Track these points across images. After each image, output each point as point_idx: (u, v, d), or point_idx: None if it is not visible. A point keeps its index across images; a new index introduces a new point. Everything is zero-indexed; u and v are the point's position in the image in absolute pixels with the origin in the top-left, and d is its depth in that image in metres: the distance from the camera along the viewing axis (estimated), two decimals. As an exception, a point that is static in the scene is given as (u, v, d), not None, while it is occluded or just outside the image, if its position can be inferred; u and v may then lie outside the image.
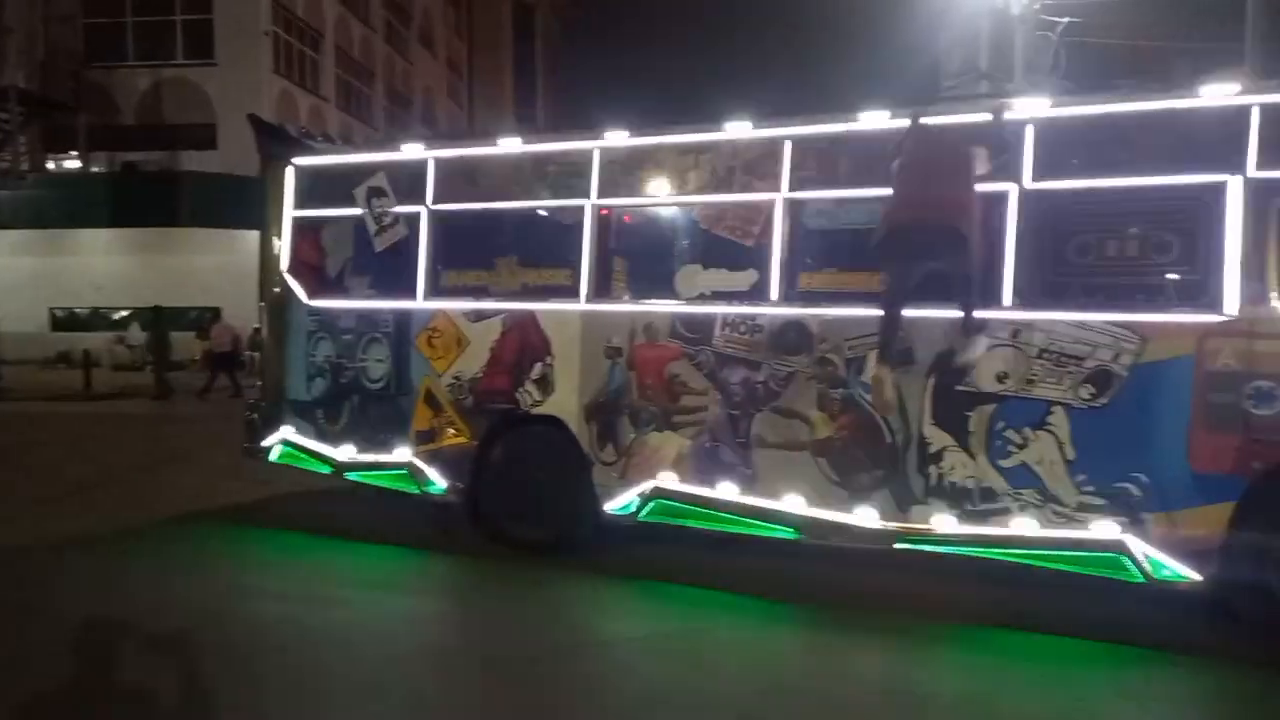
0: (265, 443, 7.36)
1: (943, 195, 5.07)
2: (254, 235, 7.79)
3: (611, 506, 6.21)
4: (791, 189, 5.77)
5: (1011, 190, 5.22)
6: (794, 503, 5.67)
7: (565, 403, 6.34)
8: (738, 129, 5.96)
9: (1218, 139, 4.81)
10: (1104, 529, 4.97)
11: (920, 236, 5.06)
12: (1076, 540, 5.04)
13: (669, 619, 5.27)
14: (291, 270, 7.37)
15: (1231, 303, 4.73)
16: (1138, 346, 4.89)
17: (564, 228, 6.45)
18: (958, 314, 5.18)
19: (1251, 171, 4.70)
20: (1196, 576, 4.82)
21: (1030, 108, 5.30)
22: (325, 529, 7.07)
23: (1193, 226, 4.86)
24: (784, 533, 5.74)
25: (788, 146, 5.77)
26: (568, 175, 6.45)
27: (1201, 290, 4.81)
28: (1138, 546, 4.91)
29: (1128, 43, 15.56)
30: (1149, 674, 4.54)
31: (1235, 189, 4.74)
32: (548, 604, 5.49)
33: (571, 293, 6.36)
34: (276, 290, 7.38)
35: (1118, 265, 5.08)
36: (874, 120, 5.61)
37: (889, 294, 5.30)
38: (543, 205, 6.67)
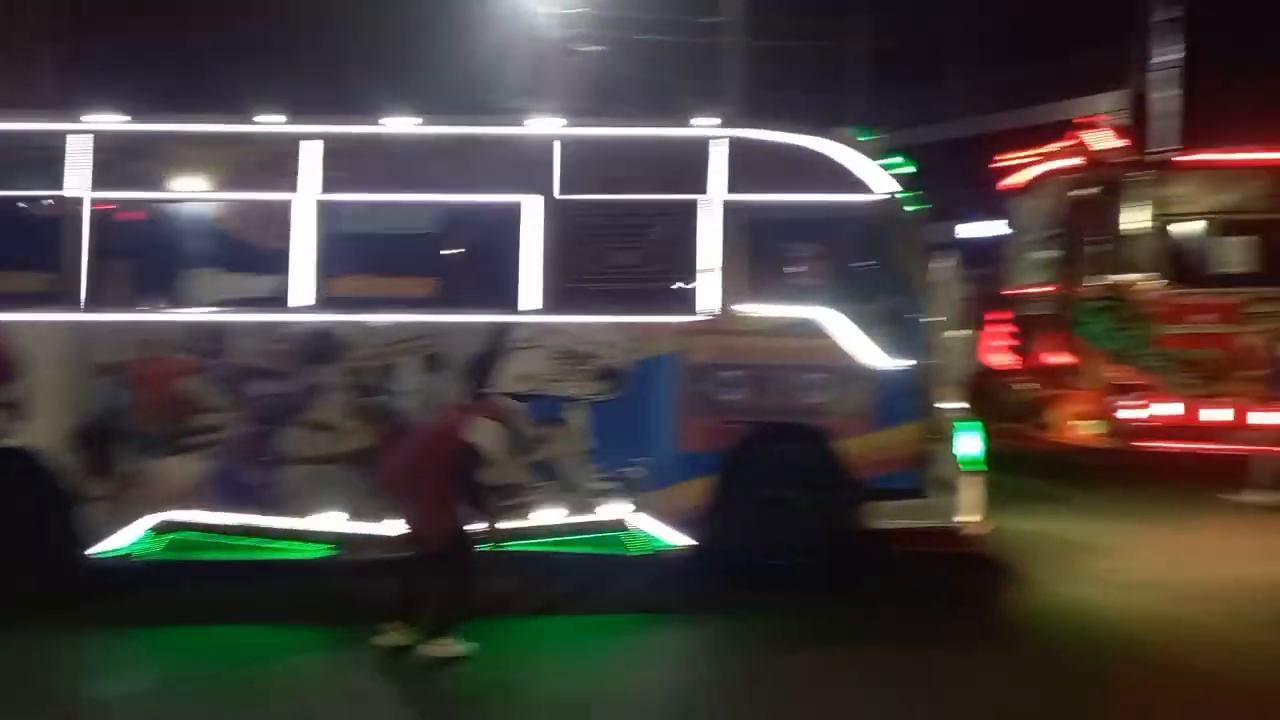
0: None
1: None
2: None
3: (104, 548, 5.40)
4: (324, 190, 5.55)
5: (539, 202, 5.54)
6: (331, 519, 5.46)
7: (39, 432, 5.40)
8: (263, 123, 5.60)
9: (696, 164, 5.58)
10: (612, 510, 5.52)
11: None
12: (590, 524, 5.52)
13: (178, 667, 4.73)
14: None
15: (706, 304, 5.51)
16: (638, 344, 5.49)
17: (45, 223, 5.52)
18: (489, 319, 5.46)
19: (724, 194, 5.53)
20: (686, 543, 5.55)
21: (556, 126, 5.68)
22: None
23: (679, 239, 5.59)
24: (319, 551, 5.50)
25: (317, 146, 5.54)
26: (47, 162, 5.52)
27: (685, 294, 5.55)
28: (639, 523, 5.52)
29: (659, 79, 17.55)
30: (646, 634, 5.13)
31: (710, 206, 5.53)
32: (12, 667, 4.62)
33: (55, 300, 5.47)
34: None
35: (623, 272, 5.63)
36: (406, 124, 5.63)
37: None
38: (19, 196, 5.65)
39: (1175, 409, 7.93)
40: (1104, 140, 8.38)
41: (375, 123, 5.66)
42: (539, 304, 5.50)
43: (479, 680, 4.42)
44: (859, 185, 5.52)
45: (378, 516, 5.44)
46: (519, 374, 5.48)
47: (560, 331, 5.46)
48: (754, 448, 5.56)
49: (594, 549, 5.59)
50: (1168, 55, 18.39)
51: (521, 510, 5.48)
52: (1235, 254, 8.20)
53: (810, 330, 5.50)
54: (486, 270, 5.70)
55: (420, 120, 5.67)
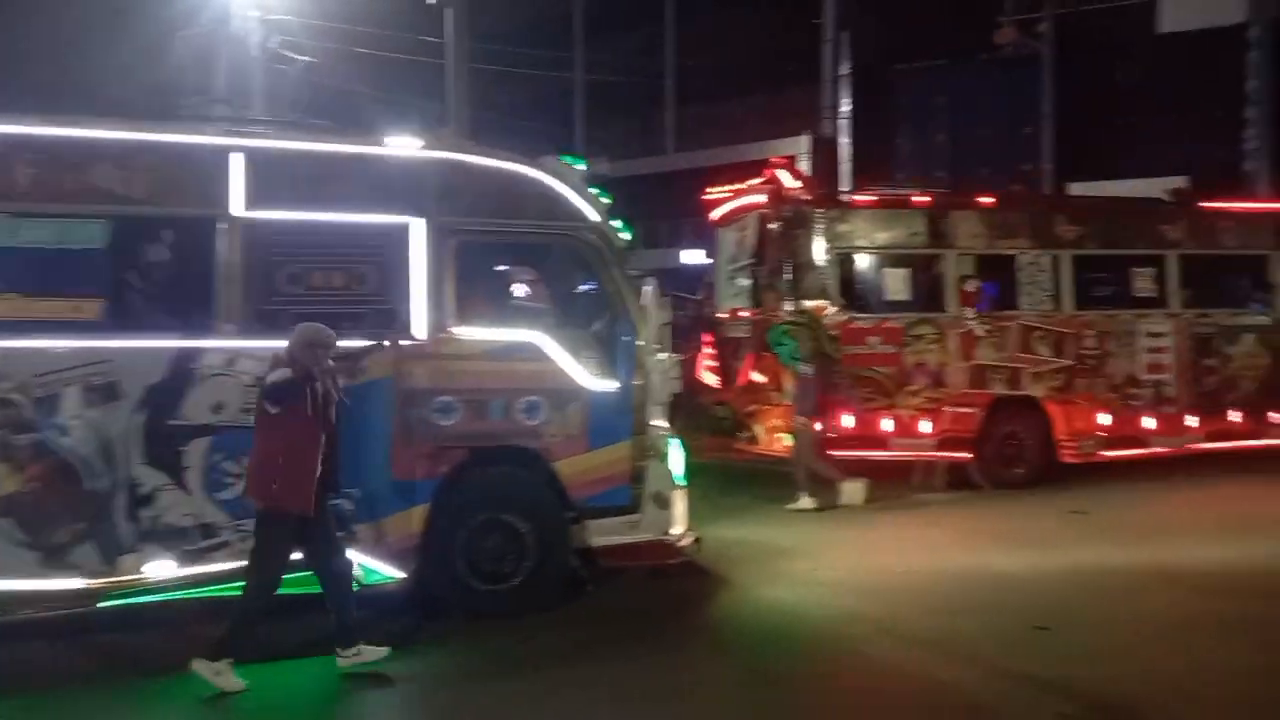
0: None
1: None
2: None
3: None
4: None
5: (216, 219, 5.15)
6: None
7: None
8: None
9: (406, 185, 5.46)
10: (322, 545, 5.21)
11: None
12: (296, 563, 5.17)
13: None
14: None
15: (419, 329, 5.40)
16: (345, 370, 5.25)
17: None
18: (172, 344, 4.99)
19: (434, 215, 5.43)
20: (402, 575, 5.38)
21: (238, 136, 5.32)
22: None
23: (388, 260, 5.43)
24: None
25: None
26: None
27: (396, 317, 5.40)
28: (351, 556, 5.25)
29: (368, 92, 17.02)
30: (358, 671, 4.89)
31: (419, 229, 5.43)
32: None
33: None
34: None
35: (326, 295, 5.38)
36: (78, 128, 5.05)
37: None
38: None
39: (854, 421, 8.86)
40: (792, 179, 9.25)
41: (22, 122, 4.97)
42: (230, 328, 5.12)
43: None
44: (567, 211, 5.66)
45: (39, 570, 4.79)
46: (210, 404, 5.06)
47: (253, 357, 5.09)
48: (471, 473, 5.51)
49: (302, 588, 5.24)
50: (844, 105, 20.72)
51: (214, 552, 5.04)
52: (898, 284, 9.36)
53: (524, 354, 5.56)
54: (166, 291, 5.22)
55: (79, 122, 5.08)
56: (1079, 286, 9.46)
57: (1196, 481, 9.39)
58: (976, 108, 22.52)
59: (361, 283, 5.43)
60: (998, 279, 9.50)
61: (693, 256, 19.03)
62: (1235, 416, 9.81)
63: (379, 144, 5.52)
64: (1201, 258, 9.94)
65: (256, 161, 5.21)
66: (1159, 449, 9.64)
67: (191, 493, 5.04)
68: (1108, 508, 8.47)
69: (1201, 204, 10.62)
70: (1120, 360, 9.52)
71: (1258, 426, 9.90)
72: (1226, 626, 5.38)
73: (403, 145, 5.53)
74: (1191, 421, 9.68)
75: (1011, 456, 9.29)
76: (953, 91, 22.44)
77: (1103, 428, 9.43)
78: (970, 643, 5.13)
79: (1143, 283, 9.78)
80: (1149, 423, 9.57)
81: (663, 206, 23.85)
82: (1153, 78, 21.61)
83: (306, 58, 14.75)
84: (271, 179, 5.24)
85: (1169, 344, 9.65)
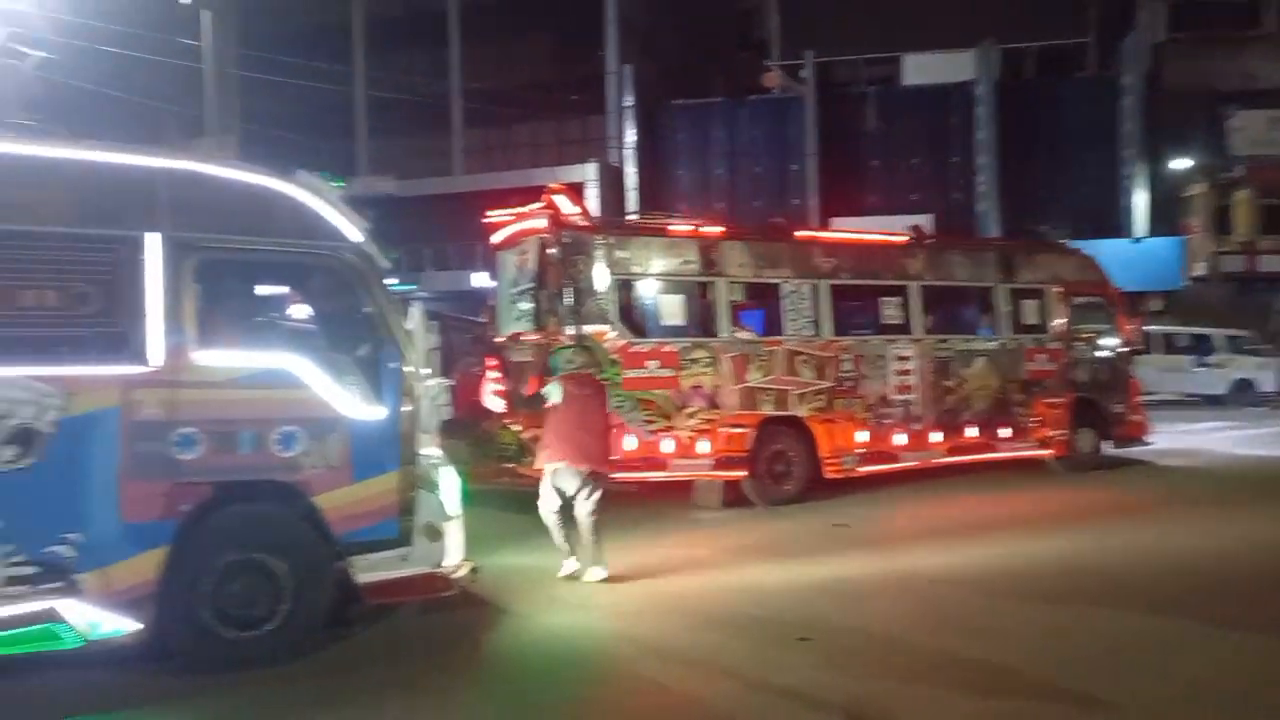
0: None
1: None
2: None
3: None
4: None
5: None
6: None
7: None
8: None
9: (136, 196, 4.97)
10: (35, 600, 4.61)
11: None
12: (5, 619, 4.55)
13: None
14: None
15: (155, 354, 4.91)
16: (63, 401, 4.69)
17: None
18: None
19: (169, 230, 4.97)
20: (137, 626, 4.84)
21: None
22: None
23: (115, 279, 4.91)
24: None
25: None
26: None
27: (125, 342, 4.88)
28: (74, 611, 4.68)
29: (111, 94, 15.55)
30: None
31: (154, 244, 4.95)
32: None
33: None
34: None
35: (37, 316, 4.79)
36: None
37: None
38: None
39: (635, 443, 8.99)
40: (570, 205, 9.32)
41: None
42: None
43: None
44: (324, 230, 5.36)
45: None
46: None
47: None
48: (217, 510, 5.06)
49: (19, 648, 4.61)
50: (629, 136, 21.36)
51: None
52: (674, 310, 9.65)
53: (279, 380, 5.19)
54: None
55: None
56: (836, 314, 10.15)
57: (940, 492, 10.30)
58: (750, 144, 23.92)
59: (84, 303, 4.86)
60: (763, 306, 10.04)
61: (483, 280, 18.88)
62: (972, 432, 10.86)
63: (105, 150, 4.99)
64: (938, 289, 10.98)
65: None
66: (909, 463, 10.49)
67: None
68: (867, 520, 9.09)
69: (936, 240, 11.78)
70: (873, 382, 10.28)
71: (990, 441, 11.00)
72: (956, 625, 5.86)
73: (135, 153, 5.04)
74: (936, 437, 10.61)
75: (781, 474, 9.77)
76: (728, 128, 23.71)
77: (860, 444, 10.13)
78: (734, 657, 5.29)
79: (890, 311, 10.65)
80: (900, 439, 10.39)
81: (453, 229, 23.50)
82: (898, 124, 23.93)
83: (41, 53, 13.25)
84: None
85: (914, 366, 10.54)
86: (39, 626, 4.62)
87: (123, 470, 4.79)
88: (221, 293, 5.30)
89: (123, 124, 16.07)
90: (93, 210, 4.89)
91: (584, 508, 6.88)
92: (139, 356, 4.87)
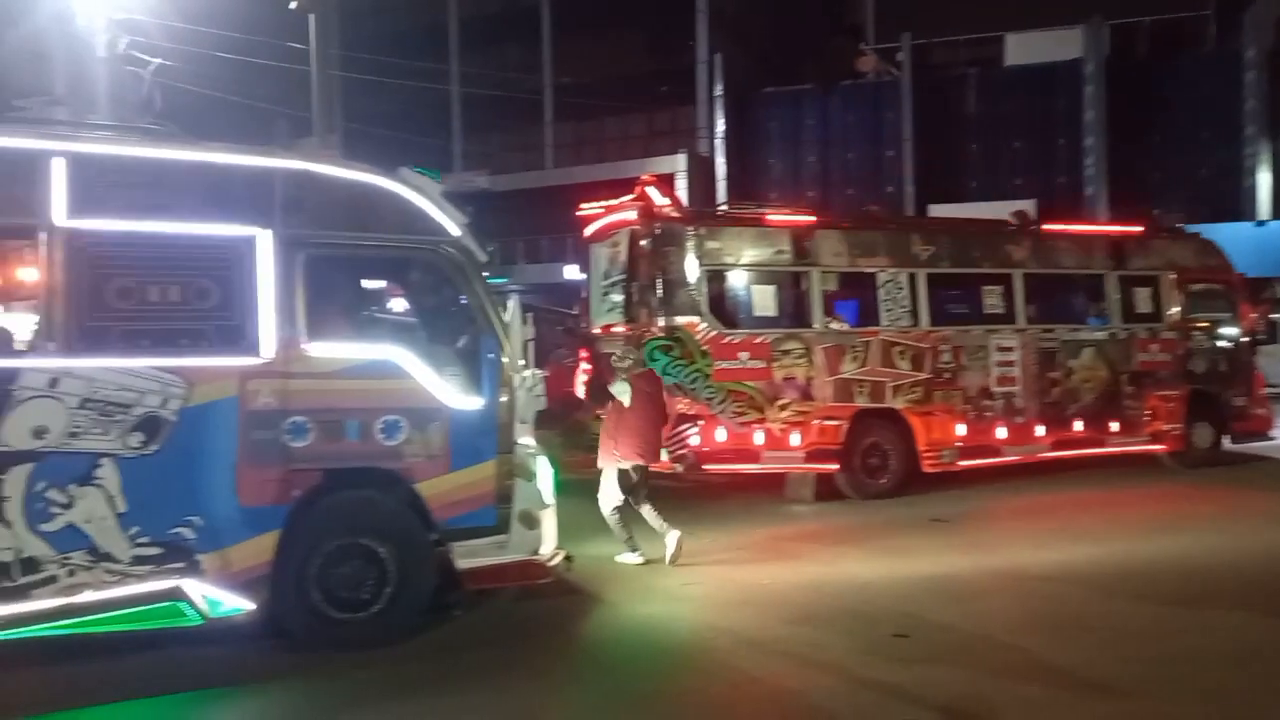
0: None
1: None
2: None
3: None
4: None
5: (37, 228, 4.77)
6: None
7: None
8: None
9: (250, 195, 5.18)
10: (160, 579, 4.88)
11: None
12: (133, 596, 4.83)
13: None
14: None
15: (268, 346, 5.13)
16: (185, 391, 4.94)
17: None
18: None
19: (281, 227, 5.18)
20: (252, 606, 5.07)
21: (66, 141, 4.95)
22: None
23: (232, 275, 5.14)
24: None
25: None
26: None
27: (241, 335, 5.11)
28: (195, 589, 4.94)
29: (224, 96, 16.25)
30: (212, 711, 4.59)
31: (266, 242, 5.17)
32: None
33: None
34: None
35: (161, 310, 5.05)
36: None
37: None
38: None
39: (725, 435, 8.96)
40: (661, 196, 9.32)
41: None
42: (52, 346, 4.74)
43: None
44: (425, 225, 5.50)
45: None
46: (30, 428, 4.66)
47: (80, 377, 4.73)
48: (326, 496, 5.26)
49: (146, 624, 4.90)
50: (719, 126, 21.21)
51: (36, 589, 4.63)
52: (766, 300, 9.55)
53: (383, 371, 5.36)
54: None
55: None
56: (934, 303, 9.88)
57: (1046, 488, 9.92)
58: (843, 131, 23.47)
59: (203, 298, 5.11)
60: (859, 296, 9.84)
61: (575, 272, 19.10)
62: (1078, 426, 10.43)
63: (221, 151, 5.23)
64: (1044, 276, 10.57)
65: (80, 167, 4.85)
66: (1010, 458, 10.15)
67: (11, 525, 4.63)
68: (967, 515, 8.83)
69: (1043, 226, 11.32)
70: (974, 373, 9.98)
71: (1098, 435, 10.55)
72: (1065, 625, 5.65)
73: (249, 154, 5.27)
74: (1040, 431, 10.23)
75: (875, 468, 9.59)
76: (820, 115, 23.31)
77: (960, 438, 9.85)
78: (829, 652, 5.22)
79: (992, 300, 10.30)
80: (1001, 433, 10.06)
81: (544, 222, 23.81)
82: (1000, 107, 23.07)
83: (159, 60, 13.95)
84: (98, 186, 4.89)
85: (1017, 358, 10.18)
86: (165, 604, 4.90)
87: (240, 457, 5.03)
88: (330, 286, 5.49)
89: (235, 126, 16.77)
90: (213, 209, 5.14)
91: (642, 496, 7.12)
92: (253, 348, 5.10)
